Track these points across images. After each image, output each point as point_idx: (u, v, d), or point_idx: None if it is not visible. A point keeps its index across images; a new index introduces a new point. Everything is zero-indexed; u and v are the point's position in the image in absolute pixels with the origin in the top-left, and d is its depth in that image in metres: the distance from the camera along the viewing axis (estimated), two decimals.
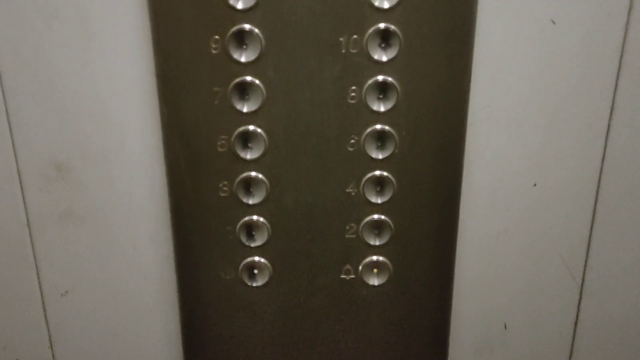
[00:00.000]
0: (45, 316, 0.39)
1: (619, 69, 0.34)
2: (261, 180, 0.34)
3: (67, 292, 0.38)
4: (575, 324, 0.40)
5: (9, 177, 0.35)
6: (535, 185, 0.36)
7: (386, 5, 0.31)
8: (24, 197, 0.35)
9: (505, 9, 0.32)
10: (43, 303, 0.38)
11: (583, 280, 0.39)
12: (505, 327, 0.40)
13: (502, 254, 0.38)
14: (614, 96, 0.34)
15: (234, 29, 0.31)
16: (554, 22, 0.32)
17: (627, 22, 0.33)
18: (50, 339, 0.40)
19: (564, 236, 0.38)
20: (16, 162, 0.35)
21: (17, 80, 0.33)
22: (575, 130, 0.35)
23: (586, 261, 0.38)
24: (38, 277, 0.38)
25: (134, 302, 0.38)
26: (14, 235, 0.36)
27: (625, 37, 0.33)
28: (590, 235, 0.38)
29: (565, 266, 0.38)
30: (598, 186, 0.36)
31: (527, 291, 0.39)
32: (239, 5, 0.30)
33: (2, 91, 0.33)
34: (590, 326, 0.40)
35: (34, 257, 0.37)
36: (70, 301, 0.38)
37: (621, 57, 0.33)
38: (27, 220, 0.36)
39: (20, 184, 0.35)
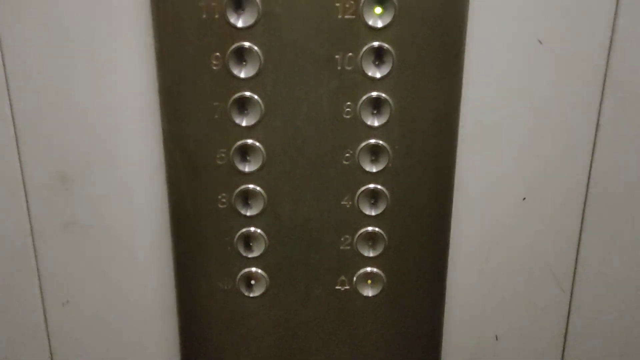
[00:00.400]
0: (46, 325, 0.39)
1: (603, 87, 0.35)
2: (259, 192, 0.35)
3: (67, 301, 0.39)
4: (565, 334, 0.41)
5: (14, 187, 0.36)
6: (524, 199, 0.37)
7: (380, 25, 0.32)
8: (28, 207, 0.36)
9: (493, 28, 0.33)
10: (44, 312, 0.39)
11: (572, 291, 0.40)
12: (497, 338, 0.41)
13: (493, 265, 0.39)
14: (599, 112, 0.35)
15: (234, 46, 0.32)
16: (540, 42, 0.34)
17: (611, 42, 0.34)
18: (50, 349, 0.40)
19: (553, 248, 0.39)
20: (22, 172, 0.36)
21: (25, 93, 0.34)
22: (562, 145, 0.36)
23: (575, 273, 0.39)
24: (40, 287, 0.38)
25: (134, 311, 0.39)
26: (17, 244, 0.37)
27: (609, 56, 0.34)
28: (578, 248, 0.39)
29: (555, 278, 0.39)
30: (585, 199, 0.37)
31: (518, 303, 0.40)
32: (240, 24, 0.32)
33: (10, 104, 0.34)
34: (580, 337, 0.41)
35: (37, 267, 0.38)
36: (71, 311, 0.39)
37: (605, 75, 0.34)
38: (31, 229, 0.37)
39: (25, 194, 0.36)
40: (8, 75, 0.34)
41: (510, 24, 0.33)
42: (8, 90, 0.34)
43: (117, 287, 0.38)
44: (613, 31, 0.34)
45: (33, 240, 0.37)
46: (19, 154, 0.35)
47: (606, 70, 0.34)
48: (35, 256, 0.38)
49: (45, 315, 0.39)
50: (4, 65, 0.33)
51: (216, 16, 0.31)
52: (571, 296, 0.40)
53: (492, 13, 0.33)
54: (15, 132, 0.35)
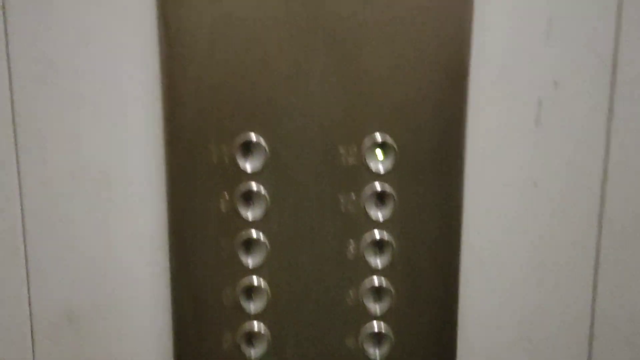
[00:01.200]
0: None
1: (600, 227, 0.36)
2: (263, 334, 0.35)
3: None
4: None
5: (21, 325, 0.36)
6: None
7: (381, 169, 0.34)
8: (33, 346, 0.36)
9: (491, 172, 0.35)
10: None
11: None
12: None
13: None
14: (597, 250, 0.36)
15: (242, 188, 0.34)
16: (536, 185, 0.35)
17: (603, 192, 0.35)
18: None
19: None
20: (30, 311, 0.36)
21: (39, 231, 0.35)
22: (563, 283, 0.36)
23: None
24: None
25: None
26: None
27: (602, 204, 0.36)
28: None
29: None
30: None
31: None
32: (248, 169, 0.34)
33: (25, 243, 0.35)
34: None
35: None
36: None
37: (600, 217, 0.36)
38: None
39: (32, 332, 0.36)
40: (25, 217, 0.35)
41: (506, 168, 0.35)
42: (24, 228, 0.35)
43: None
44: (604, 177, 0.35)
45: None
46: (29, 293, 0.36)
47: (600, 212, 0.36)
48: None
49: None
50: (22, 207, 0.35)
51: (226, 160, 0.33)
52: None
53: (489, 157, 0.35)
54: (27, 270, 0.36)
